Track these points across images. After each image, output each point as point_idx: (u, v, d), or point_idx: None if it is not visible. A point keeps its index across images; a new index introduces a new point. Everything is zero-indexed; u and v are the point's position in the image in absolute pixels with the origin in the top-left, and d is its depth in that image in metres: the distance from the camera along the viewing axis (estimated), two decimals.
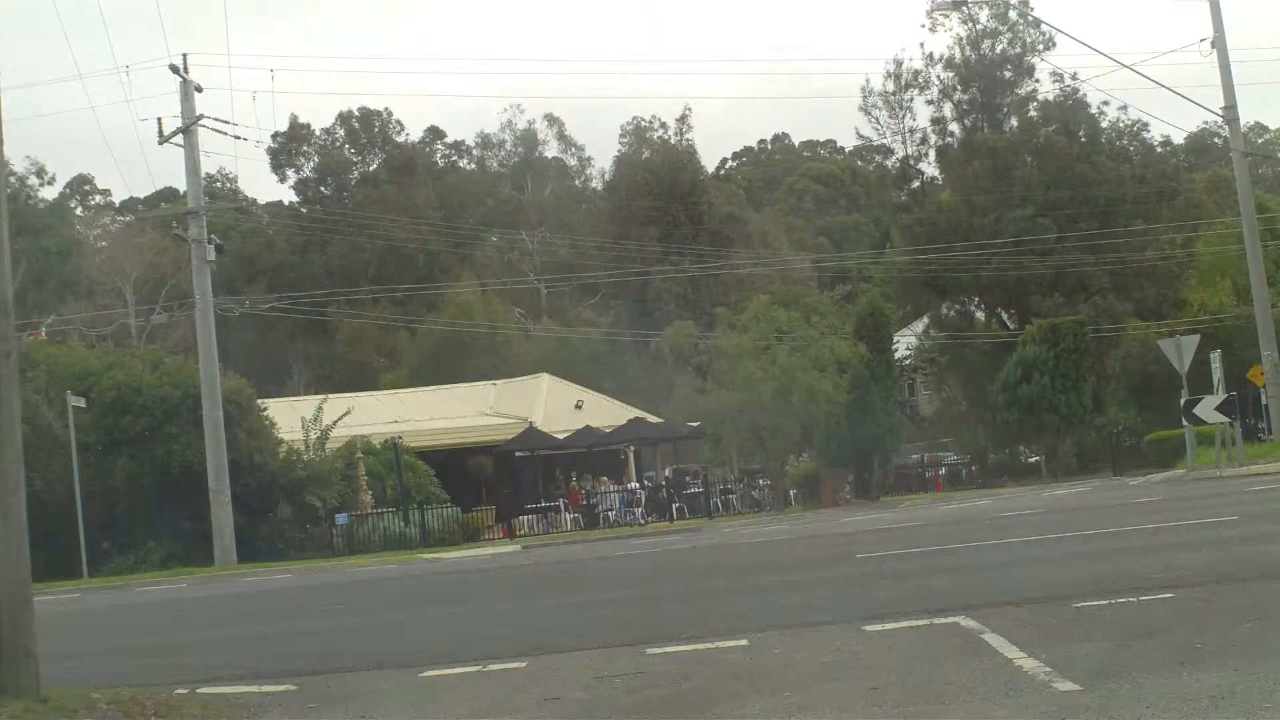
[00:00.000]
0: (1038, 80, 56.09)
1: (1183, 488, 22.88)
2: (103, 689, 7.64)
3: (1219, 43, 29.13)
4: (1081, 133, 53.19)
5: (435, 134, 79.35)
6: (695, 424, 41.69)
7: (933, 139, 57.34)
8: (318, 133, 74.87)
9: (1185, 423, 28.83)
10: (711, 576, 13.19)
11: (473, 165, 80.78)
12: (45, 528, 22.26)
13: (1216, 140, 69.77)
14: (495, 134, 79.59)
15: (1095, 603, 8.36)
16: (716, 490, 39.15)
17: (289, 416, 33.59)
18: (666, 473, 44.37)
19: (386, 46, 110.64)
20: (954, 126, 57.16)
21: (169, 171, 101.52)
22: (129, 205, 77.60)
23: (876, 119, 58.35)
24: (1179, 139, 69.61)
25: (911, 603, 9.02)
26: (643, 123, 74.37)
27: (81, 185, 79.09)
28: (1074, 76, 53.57)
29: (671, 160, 68.14)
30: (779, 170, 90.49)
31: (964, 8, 48.74)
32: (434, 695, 7.48)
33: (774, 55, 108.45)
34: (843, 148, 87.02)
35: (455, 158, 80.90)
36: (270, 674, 8.51)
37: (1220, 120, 33.41)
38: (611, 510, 36.92)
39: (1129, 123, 54.70)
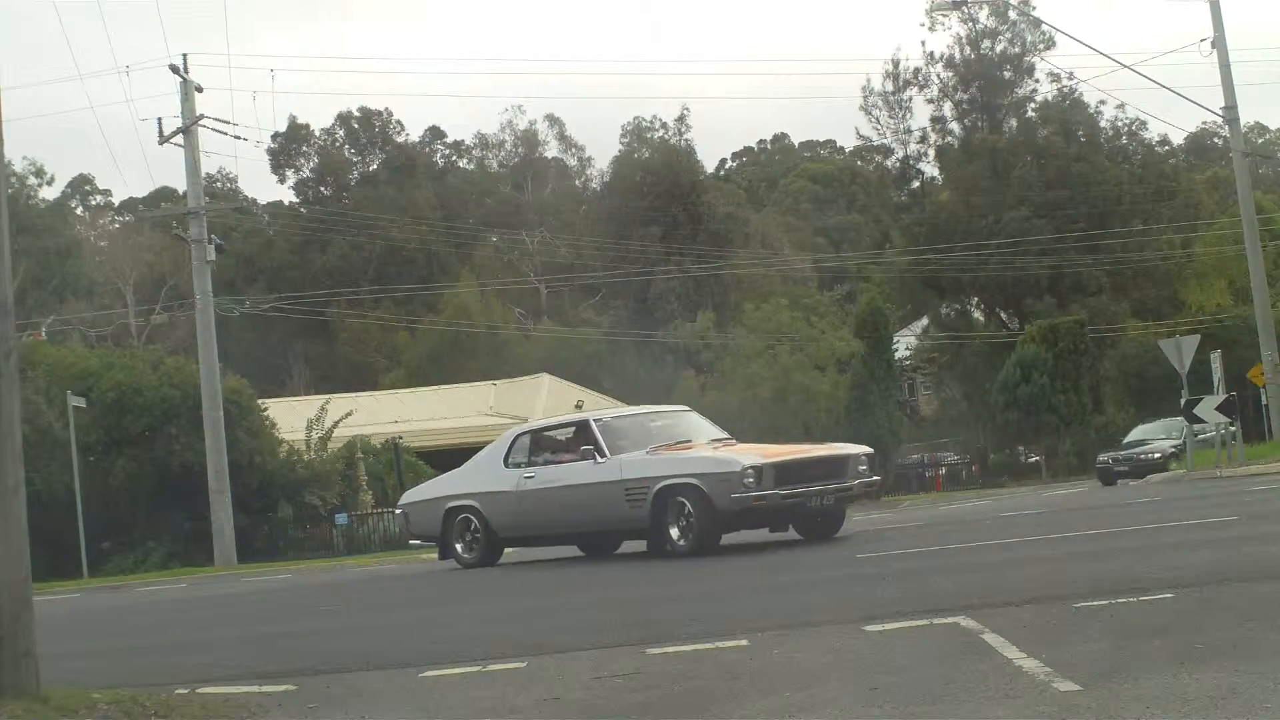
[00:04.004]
0: (1037, 80, 56.20)
1: (1183, 488, 22.88)
2: (103, 689, 7.64)
3: (1219, 43, 29.13)
4: (1080, 133, 53.23)
5: (435, 134, 79.39)
6: None
7: (932, 139, 57.40)
8: (317, 133, 74.90)
9: (1185, 423, 28.84)
10: (711, 577, 13.18)
11: (472, 165, 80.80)
12: (45, 528, 22.31)
13: (1216, 140, 69.76)
14: (495, 134, 79.71)
15: (1095, 603, 8.36)
16: None
17: (289, 417, 33.63)
18: None
19: (386, 46, 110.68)
20: (954, 126, 57.23)
21: (169, 171, 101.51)
22: (129, 205, 77.57)
23: (877, 119, 58.41)
24: (1179, 139, 69.66)
25: (911, 603, 9.02)
26: (643, 123, 74.43)
27: (81, 185, 79.12)
28: (1070, 76, 53.67)
29: (671, 160, 68.14)
30: (779, 170, 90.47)
31: (964, 7, 48.72)
32: (434, 695, 7.48)
33: (774, 55, 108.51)
34: (842, 148, 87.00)
35: (455, 158, 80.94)
36: (270, 674, 8.51)
37: (1220, 120, 33.41)
38: None
39: (1127, 122, 54.80)
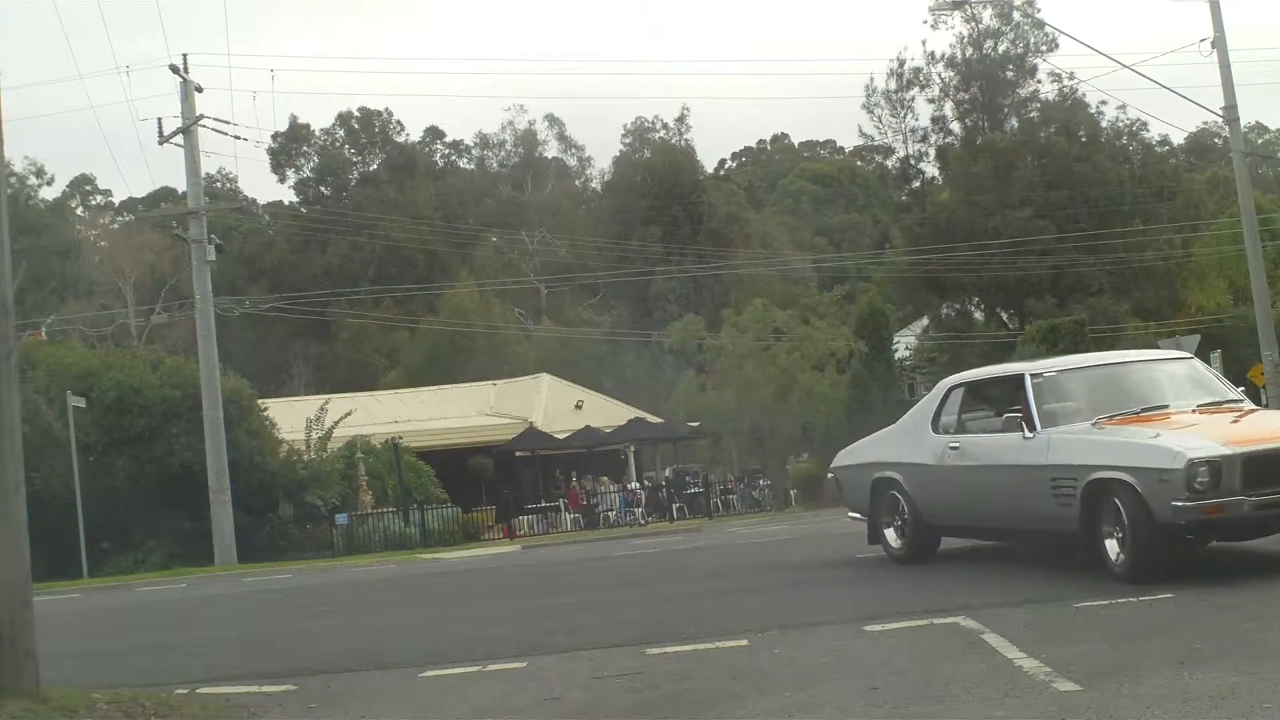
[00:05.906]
0: (1039, 80, 56.21)
1: None
2: (103, 689, 7.65)
3: (1219, 43, 29.08)
4: (1081, 133, 53.25)
5: (435, 134, 79.39)
6: (695, 424, 41.74)
7: (933, 138, 57.42)
8: (317, 133, 74.90)
9: None
10: (711, 576, 13.18)
11: (472, 165, 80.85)
12: (45, 528, 22.25)
13: (1216, 140, 69.75)
14: (495, 134, 79.77)
15: (1095, 603, 8.37)
16: (716, 490, 39.15)
17: (289, 417, 33.60)
18: (666, 473, 44.37)
19: (386, 46, 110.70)
20: (955, 126, 57.26)
21: (169, 171, 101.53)
22: (129, 205, 77.60)
23: (879, 118, 58.47)
24: (1179, 139, 69.70)
25: (911, 603, 9.03)
26: (643, 123, 74.45)
27: (81, 185, 79.10)
28: (1071, 76, 53.69)
29: (671, 160, 68.17)
30: (779, 170, 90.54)
31: (966, 7, 48.69)
32: (434, 695, 7.49)
33: (774, 55, 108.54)
34: (842, 148, 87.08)
35: (455, 158, 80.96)
36: (270, 674, 8.51)
37: (1220, 120, 33.39)
38: (611, 510, 36.94)
39: (1128, 122, 54.84)
